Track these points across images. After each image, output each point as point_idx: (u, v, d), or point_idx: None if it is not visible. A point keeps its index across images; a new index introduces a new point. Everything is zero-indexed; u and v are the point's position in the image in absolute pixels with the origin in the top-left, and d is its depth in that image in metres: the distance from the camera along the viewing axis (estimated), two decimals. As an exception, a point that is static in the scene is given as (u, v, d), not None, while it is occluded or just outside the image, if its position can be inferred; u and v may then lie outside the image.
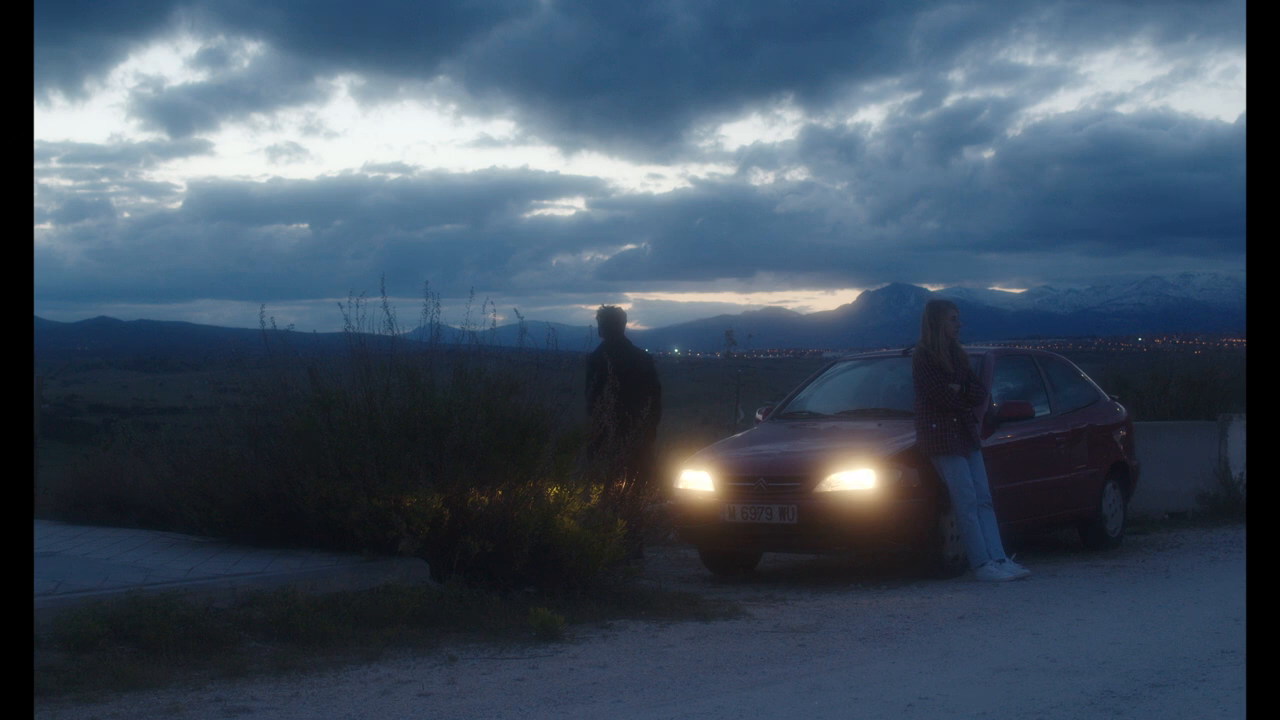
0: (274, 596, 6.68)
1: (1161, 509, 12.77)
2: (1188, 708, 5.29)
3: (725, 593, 8.66)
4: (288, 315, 9.03)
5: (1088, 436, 10.98)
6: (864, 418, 10.23)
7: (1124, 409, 11.89)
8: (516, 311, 8.88)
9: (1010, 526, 9.38)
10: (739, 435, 10.89)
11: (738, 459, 9.75)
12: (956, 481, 9.14)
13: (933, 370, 9.40)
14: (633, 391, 9.20)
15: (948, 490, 9.20)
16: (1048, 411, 10.73)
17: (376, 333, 8.50)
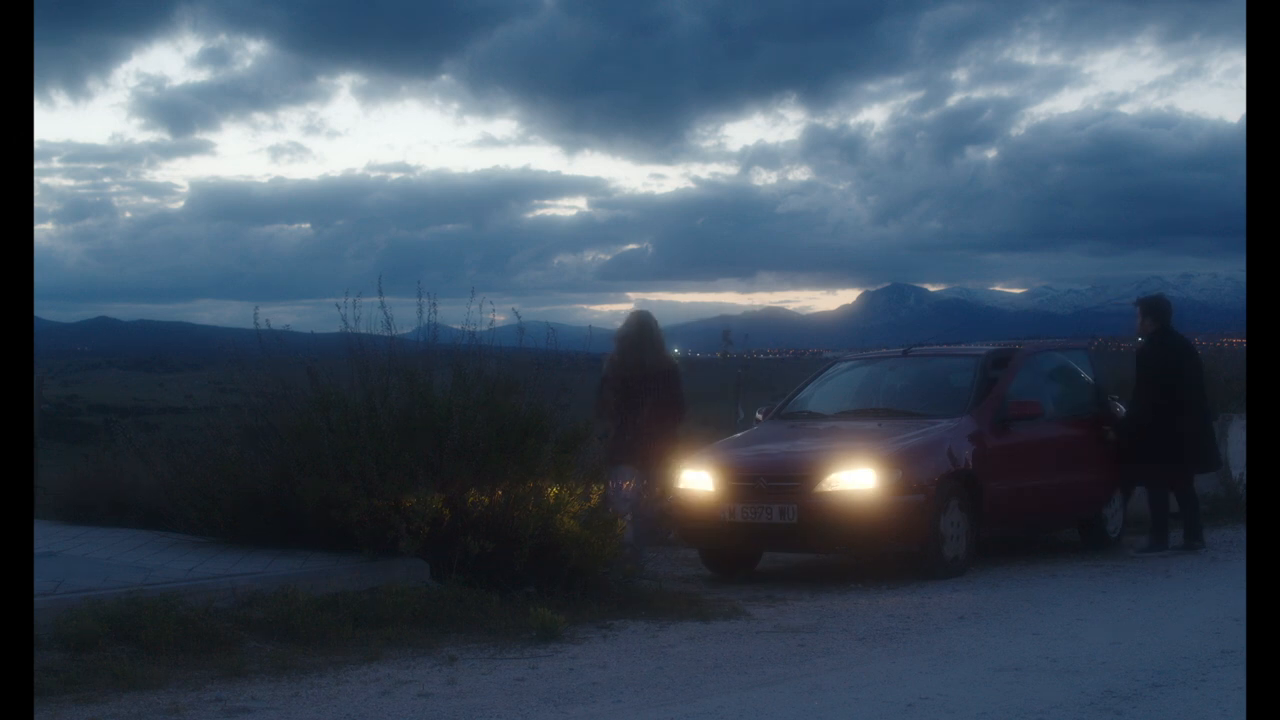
0: (274, 596, 6.68)
1: (1162, 509, 12.74)
2: (1188, 708, 5.29)
3: (725, 593, 8.65)
4: (288, 315, 9.02)
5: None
6: (864, 418, 10.24)
7: (1124, 409, 11.88)
8: (516, 311, 8.87)
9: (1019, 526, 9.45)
10: (739, 435, 10.90)
11: (738, 459, 9.75)
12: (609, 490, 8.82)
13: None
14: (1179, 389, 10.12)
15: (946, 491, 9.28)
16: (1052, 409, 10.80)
17: (375, 333, 8.50)
